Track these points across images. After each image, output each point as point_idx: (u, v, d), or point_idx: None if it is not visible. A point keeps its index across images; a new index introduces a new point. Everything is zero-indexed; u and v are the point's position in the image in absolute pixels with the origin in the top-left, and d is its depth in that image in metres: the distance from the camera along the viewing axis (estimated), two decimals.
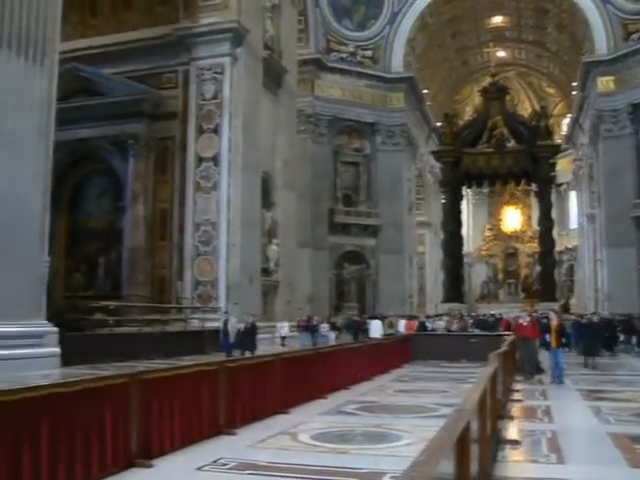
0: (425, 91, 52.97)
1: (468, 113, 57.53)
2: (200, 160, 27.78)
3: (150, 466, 7.19)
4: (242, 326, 20.58)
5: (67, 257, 30.12)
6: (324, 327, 27.81)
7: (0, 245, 15.12)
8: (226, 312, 23.42)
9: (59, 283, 28.23)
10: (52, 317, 17.20)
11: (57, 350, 16.19)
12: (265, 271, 30.32)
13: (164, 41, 28.45)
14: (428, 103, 55.00)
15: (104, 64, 29.43)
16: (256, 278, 28.62)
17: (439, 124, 50.02)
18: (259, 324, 25.50)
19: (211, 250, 27.19)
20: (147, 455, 7.40)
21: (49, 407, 6.45)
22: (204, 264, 27.28)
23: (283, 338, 26.39)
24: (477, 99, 52.04)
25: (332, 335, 27.87)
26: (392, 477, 6.57)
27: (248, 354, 18.39)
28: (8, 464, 5.86)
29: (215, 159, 27.61)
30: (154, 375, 8.37)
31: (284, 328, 26.79)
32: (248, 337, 20.18)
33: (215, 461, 7.39)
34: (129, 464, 7.13)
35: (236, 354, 18.77)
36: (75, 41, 28.81)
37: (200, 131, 27.92)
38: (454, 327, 28.99)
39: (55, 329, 16.63)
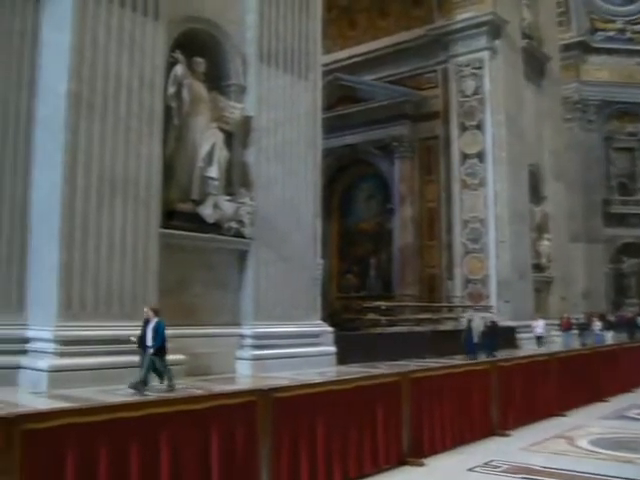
0: None
1: None
2: (464, 157, 27.60)
3: (421, 465, 7.19)
4: (483, 325, 19.72)
5: (339, 259, 31.38)
6: (597, 325, 26.04)
7: (279, 251, 16.12)
8: (472, 310, 22.61)
9: (333, 285, 29.50)
10: (327, 317, 17.97)
11: (332, 349, 16.85)
12: (537, 267, 29.31)
13: (420, 42, 28.68)
14: None
15: (364, 71, 30.37)
16: (527, 275, 27.76)
17: None
18: (518, 323, 24.72)
19: (480, 247, 26.86)
20: (418, 454, 7.41)
21: (325, 403, 6.66)
22: (473, 262, 27.01)
23: (539, 338, 24.81)
24: None
25: (607, 334, 25.93)
26: None
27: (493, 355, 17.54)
28: (288, 456, 6.14)
29: (480, 155, 27.28)
30: (425, 374, 8.38)
31: (539, 327, 25.13)
32: (489, 337, 19.33)
33: (486, 463, 7.21)
34: (400, 462, 7.18)
35: (483, 356, 17.90)
36: (335, 53, 30.06)
37: (463, 128, 27.74)
38: None
39: (330, 329, 17.33)
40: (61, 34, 13.00)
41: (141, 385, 11.26)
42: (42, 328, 12.14)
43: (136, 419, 5.31)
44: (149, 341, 11.62)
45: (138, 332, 12.49)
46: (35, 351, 12.21)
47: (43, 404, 10.07)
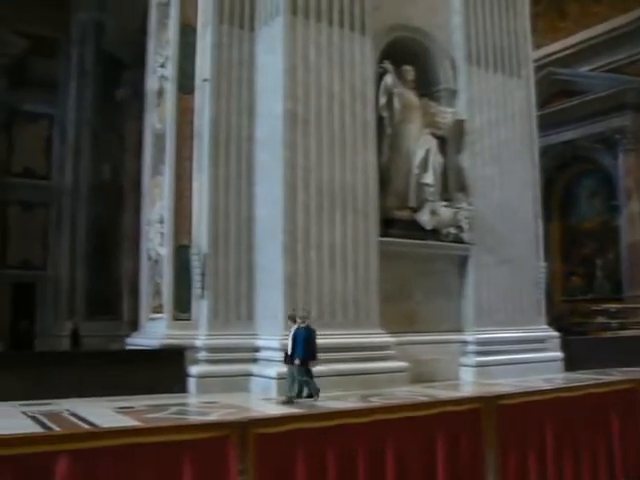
0: None
1: None
2: None
3: None
4: None
5: (563, 261, 30.12)
6: None
7: (499, 255, 15.74)
8: None
9: (557, 287, 28.36)
10: (552, 321, 17.29)
11: (559, 354, 16.18)
12: None
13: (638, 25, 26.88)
14: None
15: (578, 63, 28.98)
16: None
17: None
18: None
19: None
20: None
21: (553, 411, 6.40)
22: None
23: None
24: None
25: None
26: None
27: None
28: (516, 465, 5.96)
29: None
30: None
31: None
32: None
33: None
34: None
35: None
36: (546, 47, 28.92)
37: None
38: None
39: (556, 333, 16.69)
40: (274, 57, 13.66)
41: (295, 396, 11.24)
42: (270, 337, 12.73)
43: (363, 425, 5.39)
44: (289, 349, 11.46)
45: (360, 340, 12.82)
46: (264, 359, 12.84)
47: (273, 409, 10.52)
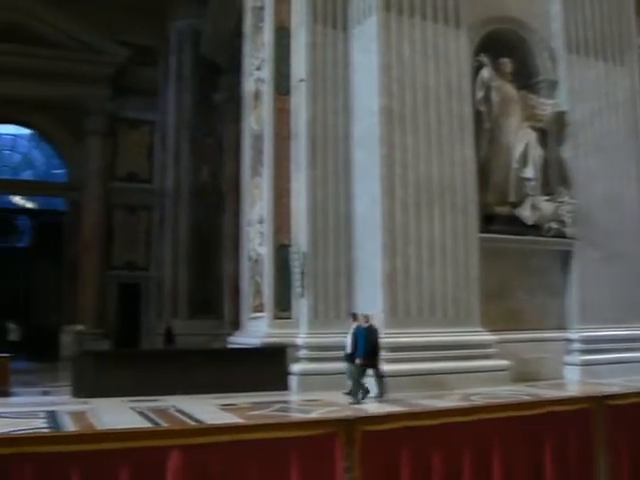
0: None
1: None
2: None
3: None
4: None
5: None
6: None
7: (604, 250, 15.23)
8: None
9: None
10: None
11: None
12: None
13: None
14: None
15: None
16: None
17: None
18: None
19: None
20: None
21: None
22: None
23: None
24: None
25: None
26: None
27: None
28: (629, 470, 5.75)
29: None
30: None
31: None
32: None
33: None
34: None
35: None
36: None
37: None
38: None
39: None
40: (369, 55, 13.66)
41: (355, 396, 11.12)
42: None
43: (468, 424, 5.30)
44: (348, 348, 11.41)
45: (461, 338, 12.66)
46: None
47: (373, 407, 10.52)
